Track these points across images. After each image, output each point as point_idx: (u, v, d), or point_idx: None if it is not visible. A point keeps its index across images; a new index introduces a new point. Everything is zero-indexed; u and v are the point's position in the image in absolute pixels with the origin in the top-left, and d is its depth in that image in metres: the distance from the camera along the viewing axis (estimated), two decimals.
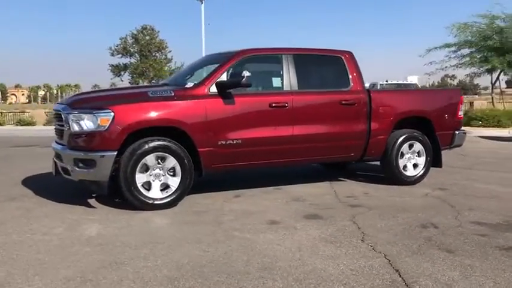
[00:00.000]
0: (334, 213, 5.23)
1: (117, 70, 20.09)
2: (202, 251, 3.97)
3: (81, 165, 5.20)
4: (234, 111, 5.74)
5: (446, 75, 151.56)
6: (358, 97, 6.51)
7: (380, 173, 7.32)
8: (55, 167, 5.70)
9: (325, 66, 6.63)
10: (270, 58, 6.30)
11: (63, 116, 5.34)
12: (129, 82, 20.44)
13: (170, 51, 20.34)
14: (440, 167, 7.23)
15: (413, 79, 43.96)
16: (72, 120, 5.22)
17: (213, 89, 5.67)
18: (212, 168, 5.72)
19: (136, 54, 19.66)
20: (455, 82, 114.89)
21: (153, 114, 5.36)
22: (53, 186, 6.64)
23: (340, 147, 6.48)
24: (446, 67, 20.47)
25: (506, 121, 17.33)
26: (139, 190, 5.28)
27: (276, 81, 6.25)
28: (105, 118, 5.11)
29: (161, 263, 3.66)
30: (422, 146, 7.00)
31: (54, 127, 6.04)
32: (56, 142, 5.88)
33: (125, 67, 19.90)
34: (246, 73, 5.43)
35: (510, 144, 13.08)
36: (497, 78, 21.17)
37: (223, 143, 5.66)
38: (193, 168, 5.53)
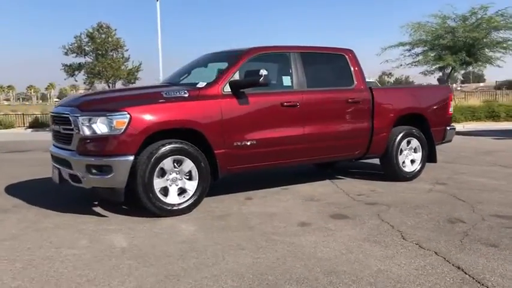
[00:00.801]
0: (357, 212, 5.21)
1: (70, 70, 19.11)
2: (253, 257, 3.80)
3: (94, 171, 4.86)
4: (248, 111, 5.58)
5: (384, 73, 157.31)
6: (363, 95, 6.54)
7: (370, 169, 7.52)
8: (59, 175, 5.28)
9: (329, 65, 6.61)
10: (278, 56, 6.18)
11: (71, 119, 4.96)
12: (84, 83, 19.55)
13: (127, 50, 19.65)
14: (435, 162, 7.41)
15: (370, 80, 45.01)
16: (83, 123, 4.86)
17: (227, 88, 5.48)
18: (227, 171, 5.54)
19: (91, 53, 18.80)
20: (392, 79, 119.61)
21: (170, 116, 5.11)
22: (43, 194, 6.28)
23: (347, 146, 6.49)
24: (401, 65, 21.19)
25: (459, 116, 18.15)
26: (157, 196, 5.01)
27: (286, 80, 6.14)
28: (121, 120, 4.80)
29: (219, 273, 3.47)
30: (419, 142, 7.15)
31: (53, 130, 5.61)
32: (57, 147, 5.47)
33: (79, 66, 18.98)
34: (263, 72, 5.29)
35: (470, 138, 13.70)
36: (449, 75, 22.16)
37: (239, 144, 5.50)
38: (209, 171, 5.32)
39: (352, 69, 6.61)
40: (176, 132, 5.16)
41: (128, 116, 4.81)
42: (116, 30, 19.32)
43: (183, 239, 4.35)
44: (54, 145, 5.61)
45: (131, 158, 4.85)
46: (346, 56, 6.66)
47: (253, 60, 5.82)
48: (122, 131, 4.79)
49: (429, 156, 7.30)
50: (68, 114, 5.02)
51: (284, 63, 6.07)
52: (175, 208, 5.12)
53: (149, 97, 5.22)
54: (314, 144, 6.12)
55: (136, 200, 5.03)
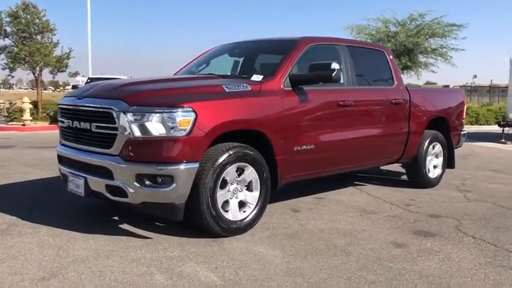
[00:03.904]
0: (433, 227, 4.70)
1: None
2: None
3: (148, 183, 3.80)
4: (308, 111, 4.82)
5: None
6: (403, 96, 6.06)
7: (375, 174, 7.28)
8: (85, 185, 4.10)
9: (372, 61, 5.99)
10: (330, 49, 5.43)
11: (114, 115, 3.83)
12: (3, 69, 16.97)
13: (55, 34, 17.45)
14: (454, 167, 7.17)
15: None
16: (133, 121, 3.78)
17: (286, 83, 4.67)
18: (285, 179, 4.73)
19: (14, 36, 16.37)
20: None
21: (237, 115, 4.20)
22: (30, 204, 5.11)
23: (390, 150, 5.98)
24: None
25: None
26: (220, 212, 4.08)
27: None
28: (185, 119, 3.79)
29: None
30: (442, 147, 6.85)
31: (68, 128, 4.40)
32: (77, 149, 4.29)
33: None
34: (335, 65, 4.56)
35: None
36: None
37: (299, 148, 4.72)
38: (270, 180, 4.48)
39: (391, 67, 6.09)
40: (239, 135, 4.26)
41: (193, 113, 3.82)
42: (45, 11, 17.08)
43: (281, 268, 3.50)
44: (69, 146, 4.40)
45: (196, 165, 3.87)
46: (385, 53, 6.13)
47: (310, 52, 5.04)
48: (187, 132, 3.79)
49: (448, 162, 7.03)
50: (109, 108, 3.87)
51: (334, 57, 5.34)
52: (236, 226, 4.21)
53: (210, 91, 4.24)
54: (365, 149, 5.52)
55: (195, 218, 4.04)
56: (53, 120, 17.34)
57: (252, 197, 4.33)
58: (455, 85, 27.94)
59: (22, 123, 15.79)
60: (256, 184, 4.34)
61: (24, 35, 16.85)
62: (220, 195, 4.07)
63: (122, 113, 3.79)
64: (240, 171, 4.24)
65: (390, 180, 7.25)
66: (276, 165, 4.50)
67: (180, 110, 3.78)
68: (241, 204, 4.31)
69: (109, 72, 19.12)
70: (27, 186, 6.25)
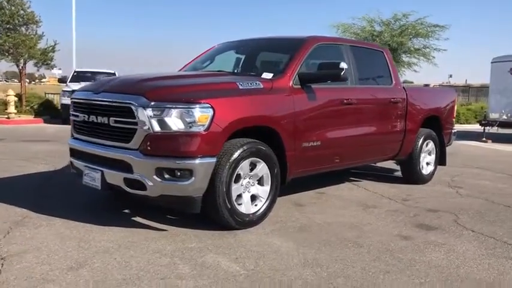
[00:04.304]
0: (433, 221, 4.91)
1: None
2: (415, 284, 3.28)
3: (168, 176, 3.91)
4: (316, 108, 4.99)
5: None
6: (401, 94, 6.28)
7: (368, 170, 7.47)
8: (102, 179, 4.18)
9: (371, 61, 6.19)
10: (334, 48, 5.60)
11: (134, 110, 3.92)
12: None
13: (40, 26, 17.18)
14: (445, 164, 7.43)
15: None
16: (152, 116, 3.87)
17: (296, 81, 4.82)
18: (292, 175, 4.88)
19: None
20: None
21: (252, 111, 4.34)
22: (37, 196, 5.22)
23: (387, 147, 6.20)
24: None
25: None
26: (235, 206, 4.21)
27: None
28: (204, 115, 3.91)
29: None
30: (434, 144, 7.10)
31: (83, 122, 4.46)
32: (93, 143, 4.36)
33: None
34: (344, 65, 4.73)
35: None
36: None
37: (307, 145, 4.88)
38: (280, 175, 4.63)
39: (390, 67, 6.30)
40: (248, 131, 4.39)
41: (211, 109, 3.94)
42: (30, 2, 16.81)
43: (299, 259, 3.65)
44: (84, 140, 4.47)
45: (214, 160, 3.99)
46: (384, 53, 6.33)
47: (316, 51, 5.19)
48: (205, 127, 3.91)
49: (440, 159, 7.29)
50: (129, 103, 3.95)
51: (339, 56, 5.51)
52: (249, 219, 4.35)
53: (225, 88, 4.36)
54: (366, 145, 5.72)
55: (211, 211, 4.17)
56: (37, 113, 17.16)
57: (263, 191, 4.47)
58: (434, 84, 28.51)
59: (6, 116, 15.56)
60: (267, 179, 4.48)
61: (8, 26, 16.57)
62: (235, 189, 4.20)
63: (141, 108, 3.88)
64: (252, 166, 4.37)
65: (384, 176, 7.47)
66: (285, 161, 4.64)
67: (198, 106, 3.89)
68: (253, 198, 4.44)
69: (93, 66, 18.85)
70: (28, 179, 6.27)
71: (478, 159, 10.05)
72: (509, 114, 14.65)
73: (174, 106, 3.87)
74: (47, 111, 17.62)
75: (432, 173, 7.13)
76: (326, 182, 6.53)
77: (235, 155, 4.11)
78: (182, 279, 3.16)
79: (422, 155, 6.93)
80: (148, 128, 3.87)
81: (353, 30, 20.51)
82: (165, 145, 3.90)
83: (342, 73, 4.68)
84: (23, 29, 17.14)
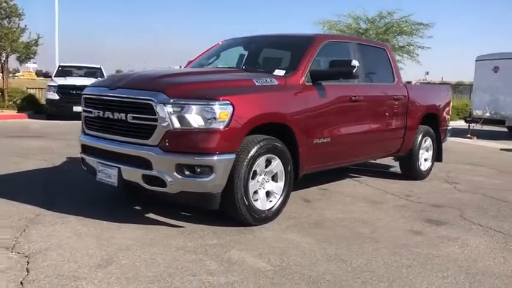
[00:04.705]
0: (441, 216, 5.02)
1: None
2: (439, 277, 3.37)
3: (188, 172, 3.91)
4: (326, 105, 5.04)
5: None
6: (403, 92, 6.39)
7: (366, 166, 7.53)
8: (118, 175, 4.15)
9: (375, 58, 6.26)
10: (342, 46, 5.67)
11: (154, 107, 3.90)
12: None
13: (23, 19, 16.78)
14: (441, 161, 7.59)
15: None
16: (172, 113, 3.87)
17: (307, 78, 4.86)
18: (304, 171, 4.93)
19: None
20: None
21: (268, 108, 4.38)
22: (47, 194, 5.16)
23: (390, 144, 6.30)
24: None
25: None
26: (252, 202, 4.24)
27: None
28: (224, 111, 3.92)
29: None
30: (432, 141, 7.24)
31: (97, 117, 4.41)
32: (107, 139, 4.32)
33: None
34: (355, 63, 4.80)
35: None
36: None
37: (318, 141, 4.93)
38: (293, 171, 4.68)
39: (392, 64, 6.40)
40: (263, 127, 4.41)
41: (231, 106, 3.95)
42: None
43: (321, 254, 3.71)
44: (98, 136, 4.42)
45: (233, 156, 4.01)
46: (387, 51, 6.42)
47: (325, 49, 5.24)
48: (225, 124, 3.92)
49: (436, 156, 7.44)
50: (149, 99, 3.93)
51: (346, 54, 5.57)
52: (265, 215, 4.39)
53: (242, 84, 4.37)
54: (371, 142, 5.81)
55: (229, 207, 4.18)
56: (20, 108, 16.82)
57: (278, 188, 4.50)
58: (416, 81, 28.95)
59: None
60: (282, 175, 4.52)
61: None
62: (251, 186, 4.23)
63: (161, 105, 3.86)
64: (267, 162, 4.40)
65: (381, 172, 7.59)
66: (297, 158, 4.68)
67: (219, 102, 3.90)
68: (267, 194, 4.48)
69: (75, 61, 18.53)
70: (29, 176, 6.17)
71: (467, 156, 10.25)
72: (492, 112, 15.00)
73: (194, 103, 3.87)
74: (30, 106, 17.27)
75: (429, 169, 7.28)
76: (327, 178, 6.59)
77: (253, 151, 4.14)
78: (213, 275, 3.18)
79: (421, 151, 7.06)
80: (168, 125, 3.86)
81: (338, 28, 20.65)
82: (185, 141, 3.90)
83: (354, 70, 4.74)
84: (5, 22, 16.72)
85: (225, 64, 5.64)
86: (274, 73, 4.76)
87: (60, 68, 16.60)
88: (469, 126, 14.83)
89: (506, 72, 14.53)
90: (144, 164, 3.97)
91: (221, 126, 3.90)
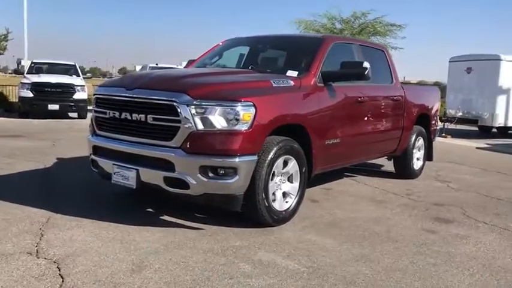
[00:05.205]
0: (446, 214, 5.16)
1: None
2: (465, 275, 3.47)
3: (212, 174, 3.88)
4: (336, 105, 5.10)
5: None
6: (401, 93, 6.52)
7: (358, 166, 7.53)
8: (137, 177, 4.08)
9: (376, 59, 6.34)
10: (347, 47, 5.73)
11: (177, 108, 3.85)
12: None
13: None
14: (432, 160, 7.80)
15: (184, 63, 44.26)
16: (196, 114, 3.83)
17: (319, 79, 4.91)
18: (316, 171, 4.97)
19: None
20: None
21: (287, 110, 4.39)
22: (49, 197, 4.96)
23: (389, 143, 6.43)
24: None
25: None
26: (271, 203, 4.25)
27: None
28: (247, 113, 3.91)
29: None
30: (423, 140, 7.44)
31: (112, 118, 4.31)
32: (124, 140, 4.23)
33: None
34: (367, 64, 4.87)
35: None
36: None
37: (329, 142, 4.99)
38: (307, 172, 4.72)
39: (391, 65, 6.52)
40: (280, 129, 4.43)
41: (254, 107, 3.95)
42: None
43: (347, 255, 3.75)
44: (113, 138, 4.32)
45: (256, 158, 4.01)
46: (385, 52, 6.54)
47: (334, 50, 5.29)
48: (249, 125, 3.91)
49: (427, 155, 7.64)
50: (171, 100, 3.87)
51: (351, 55, 5.65)
52: (282, 216, 4.41)
53: (261, 85, 4.36)
54: (374, 142, 5.92)
55: (250, 208, 4.18)
56: None
57: (293, 188, 4.53)
58: None
59: None
60: (297, 176, 4.54)
61: None
62: (271, 187, 4.23)
63: (185, 106, 3.82)
64: (284, 164, 4.41)
65: (374, 171, 7.72)
66: (311, 158, 4.72)
67: (242, 104, 3.88)
68: (283, 195, 4.49)
69: (45, 57, 18.01)
70: (25, 177, 5.98)
71: (447, 154, 10.54)
72: (465, 111, 15.50)
73: (218, 104, 3.85)
74: (0, 104, 16.72)
75: (421, 168, 7.47)
76: (326, 178, 6.65)
77: (272, 152, 4.14)
78: (250, 278, 3.17)
79: (414, 150, 7.23)
80: (192, 126, 3.82)
81: (314, 27, 20.83)
82: (208, 143, 3.86)
83: (366, 72, 4.81)
84: None
85: (231, 64, 5.60)
86: (287, 74, 4.77)
87: (32, 65, 16.09)
88: (443, 125, 15.26)
89: (478, 73, 15.05)
90: (166, 166, 3.92)
91: (244, 128, 3.89)
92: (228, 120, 3.85)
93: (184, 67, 6.45)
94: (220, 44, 6.20)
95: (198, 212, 4.63)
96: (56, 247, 3.54)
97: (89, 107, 16.42)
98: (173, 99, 3.85)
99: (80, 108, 14.72)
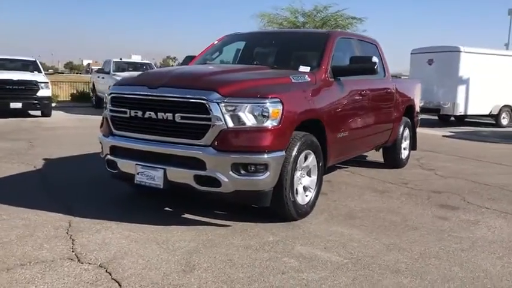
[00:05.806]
0: (449, 201, 5.39)
1: None
2: (503, 260, 3.68)
3: (243, 171, 3.89)
4: (345, 99, 5.23)
5: (168, 57, 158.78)
6: (393, 86, 6.74)
7: None
8: (164, 177, 4.03)
9: (369, 53, 6.49)
10: (348, 42, 5.85)
11: (208, 106, 3.83)
12: None
13: None
14: (416, 149, 8.11)
15: (137, 58, 43.57)
16: (226, 112, 3.83)
17: (330, 74, 5.01)
18: (328, 165, 5.08)
19: None
20: (176, 63, 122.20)
21: (308, 105, 4.45)
22: (57, 199, 4.79)
23: (383, 135, 6.63)
24: None
25: None
26: (296, 197, 4.33)
27: None
28: (276, 109, 3.95)
29: None
30: (409, 131, 7.72)
31: (133, 117, 4.22)
32: (149, 140, 4.16)
33: None
34: (375, 59, 5.02)
35: None
36: None
37: (340, 135, 5.11)
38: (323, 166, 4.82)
39: (383, 59, 6.71)
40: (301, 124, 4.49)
41: (281, 104, 3.99)
42: None
43: (379, 245, 3.87)
44: (135, 138, 4.24)
45: (284, 153, 4.06)
46: (377, 45, 6.73)
47: (339, 45, 5.40)
48: (278, 121, 3.95)
49: (412, 144, 7.94)
50: (201, 99, 3.84)
51: (352, 50, 5.79)
52: (304, 209, 4.50)
53: (282, 82, 4.40)
54: (372, 134, 6.10)
55: (277, 203, 4.22)
56: None
57: (312, 182, 4.61)
58: None
59: None
60: (315, 170, 4.63)
61: None
62: (295, 182, 4.29)
63: (215, 104, 3.80)
64: (305, 158, 4.49)
65: (362, 162, 7.91)
66: (326, 152, 4.82)
67: (270, 101, 3.92)
68: (304, 189, 4.57)
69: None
70: (21, 180, 5.76)
71: (418, 144, 10.89)
72: (427, 101, 16.09)
73: (248, 101, 3.86)
74: None
75: (407, 157, 7.75)
76: None
77: (297, 147, 4.20)
78: (302, 272, 3.23)
79: (402, 141, 7.49)
80: (222, 124, 3.81)
81: (277, 21, 20.94)
82: (239, 140, 3.87)
83: (375, 67, 4.94)
84: None
85: (235, 60, 5.60)
86: (300, 69, 4.83)
87: None
88: None
89: (439, 64, 15.67)
90: (197, 164, 3.89)
91: (274, 124, 3.92)
92: (257, 117, 3.87)
93: (182, 63, 6.37)
94: (216, 42, 6.15)
95: (216, 209, 4.62)
96: (94, 251, 3.46)
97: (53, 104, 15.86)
98: (203, 97, 3.82)
99: (44, 106, 14.12)
